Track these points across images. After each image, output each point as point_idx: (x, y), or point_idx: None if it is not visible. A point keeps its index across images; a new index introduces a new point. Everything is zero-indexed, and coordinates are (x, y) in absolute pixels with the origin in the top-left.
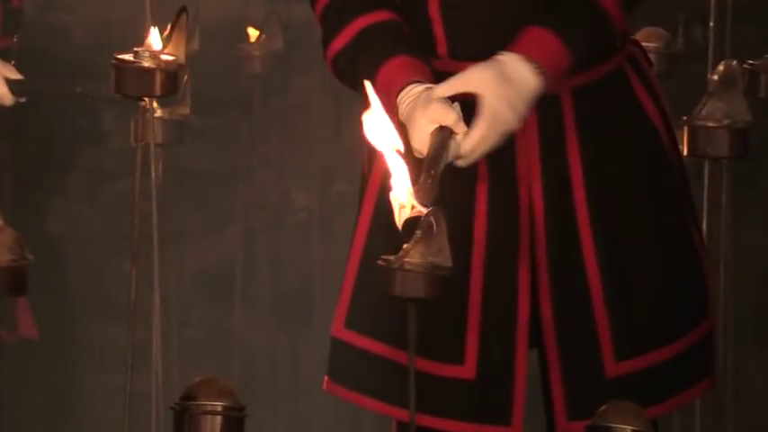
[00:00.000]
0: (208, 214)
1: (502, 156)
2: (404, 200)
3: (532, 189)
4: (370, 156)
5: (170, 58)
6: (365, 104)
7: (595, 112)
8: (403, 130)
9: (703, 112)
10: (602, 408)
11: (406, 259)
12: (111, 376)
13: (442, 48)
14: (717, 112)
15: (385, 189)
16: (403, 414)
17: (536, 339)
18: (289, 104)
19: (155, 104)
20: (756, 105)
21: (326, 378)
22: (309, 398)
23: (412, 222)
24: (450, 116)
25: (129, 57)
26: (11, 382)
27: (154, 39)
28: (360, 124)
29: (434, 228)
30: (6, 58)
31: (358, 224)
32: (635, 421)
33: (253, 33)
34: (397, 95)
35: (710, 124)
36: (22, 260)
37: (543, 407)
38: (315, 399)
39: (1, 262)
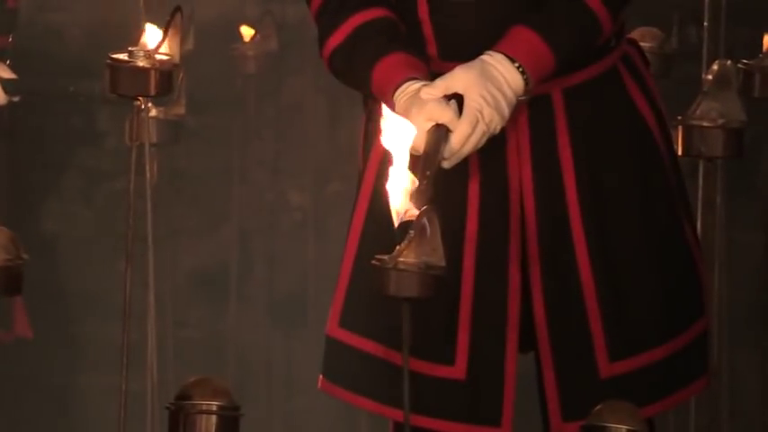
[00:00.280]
0: (203, 214)
1: (493, 155)
2: (400, 205)
3: (523, 189)
4: (365, 156)
5: (165, 57)
6: (364, 105)
7: (587, 112)
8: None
9: (698, 111)
10: (598, 407)
11: (400, 259)
12: (107, 376)
13: (431, 49)
14: (711, 112)
15: (379, 189)
16: (396, 414)
17: (532, 341)
18: (283, 104)
19: (149, 104)
20: (751, 105)
21: (321, 377)
22: (304, 397)
23: (406, 223)
24: (447, 114)
25: (123, 56)
26: (6, 382)
27: (151, 35)
28: (354, 124)
29: (428, 228)
30: (1, 58)
31: (352, 224)
32: (630, 421)
33: (247, 33)
34: (394, 93)
35: (705, 124)
36: (18, 260)
37: (539, 408)
38: (310, 398)
39: None
